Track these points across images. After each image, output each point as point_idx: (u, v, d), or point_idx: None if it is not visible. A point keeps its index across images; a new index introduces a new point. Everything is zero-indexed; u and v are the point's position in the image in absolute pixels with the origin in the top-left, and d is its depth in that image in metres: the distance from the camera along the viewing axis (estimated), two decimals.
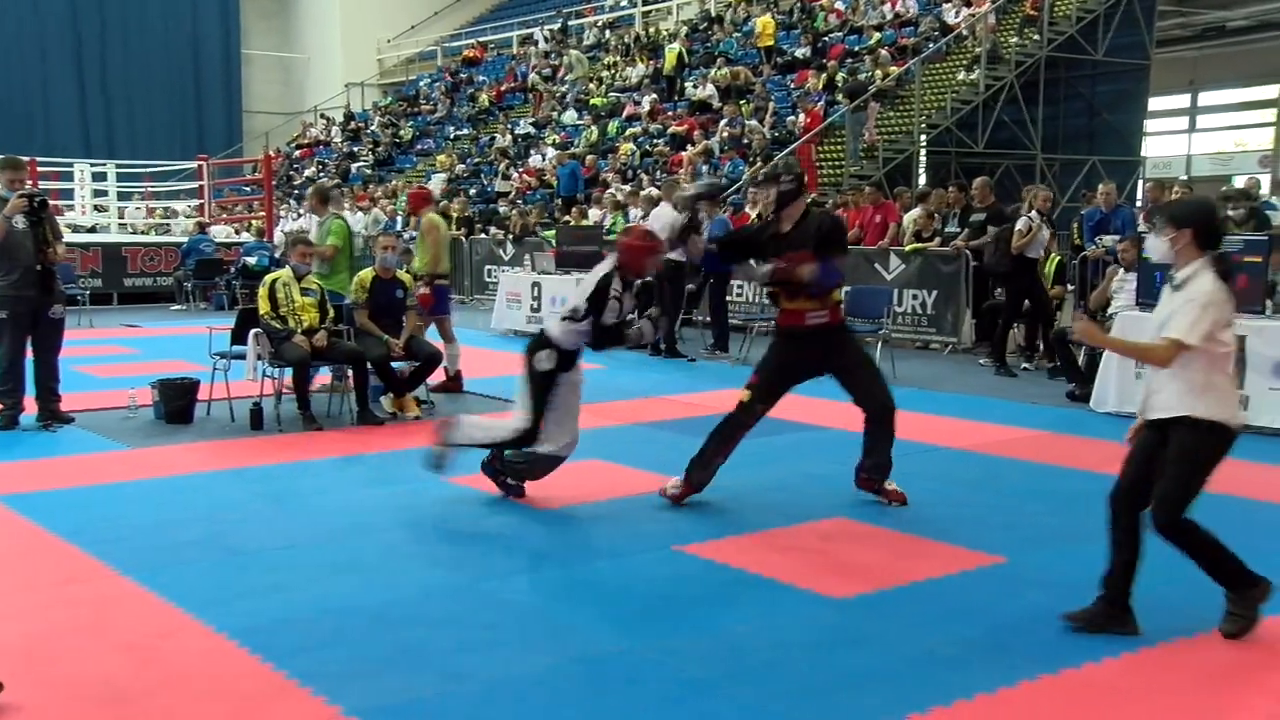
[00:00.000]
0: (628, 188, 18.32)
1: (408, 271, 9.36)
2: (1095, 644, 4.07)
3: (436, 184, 24.52)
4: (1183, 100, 31.75)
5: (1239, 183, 15.95)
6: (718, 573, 5.01)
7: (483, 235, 19.44)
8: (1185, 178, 21.79)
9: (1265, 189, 16.72)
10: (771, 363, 6.09)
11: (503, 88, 29.27)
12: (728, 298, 13.15)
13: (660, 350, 12.30)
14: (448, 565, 5.14)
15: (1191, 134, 32.51)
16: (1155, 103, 24.35)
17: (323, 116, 34.38)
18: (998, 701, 3.65)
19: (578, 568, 5.18)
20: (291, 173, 30.14)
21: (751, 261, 6.01)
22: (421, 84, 33.25)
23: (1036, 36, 19.59)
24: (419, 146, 29.08)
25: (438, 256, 9.76)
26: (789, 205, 5.93)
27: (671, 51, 24.05)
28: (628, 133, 22.49)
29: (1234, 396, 4.25)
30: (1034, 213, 10.61)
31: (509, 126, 26.34)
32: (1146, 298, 8.52)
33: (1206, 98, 32.06)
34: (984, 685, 3.74)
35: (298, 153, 32.40)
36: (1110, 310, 9.26)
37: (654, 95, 23.30)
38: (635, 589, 4.85)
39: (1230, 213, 11.24)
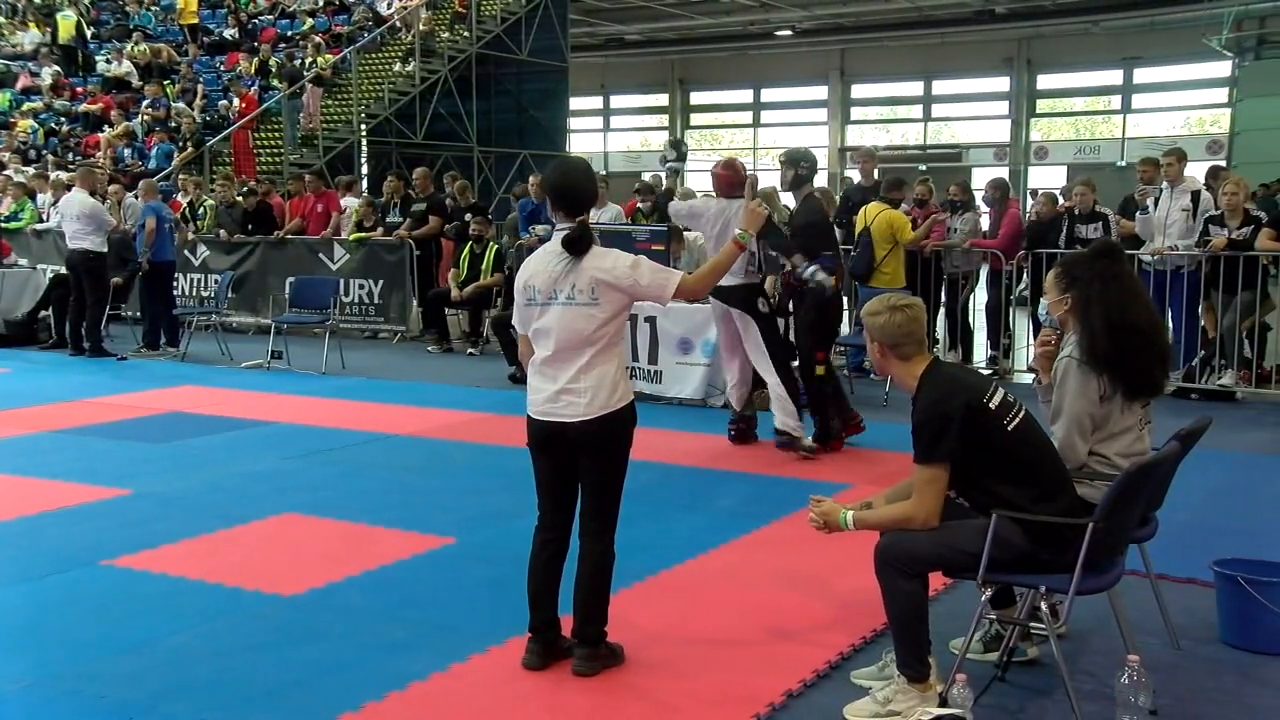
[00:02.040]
0: (31, 170, 16.34)
1: None
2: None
3: None
4: (597, 101, 34.82)
5: (647, 178, 17.70)
6: (154, 584, 4.64)
7: None
8: (605, 172, 23.80)
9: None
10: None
11: None
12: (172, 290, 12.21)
13: (84, 349, 11.15)
14: None
15: (606, 133, 35.75)
16: (575, 103, 26.36)
17: None
18: (451, 678, 3.74)
19: None
20: None
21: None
22: None
23: (467, 33, 20.32)
24: None
25: None
26: (800, 189, 6.91)
27: (66, 20, 21.59)
28: (25, 107, 19.97)
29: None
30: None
31: None
32: None
33: (616, 100, 35.46)
34: (437, 664, 3.81)
35: None
36: None
37: (56, 68, 20.86)
38: (55, 613, 4.34)
39: (640, 205, 12.48)
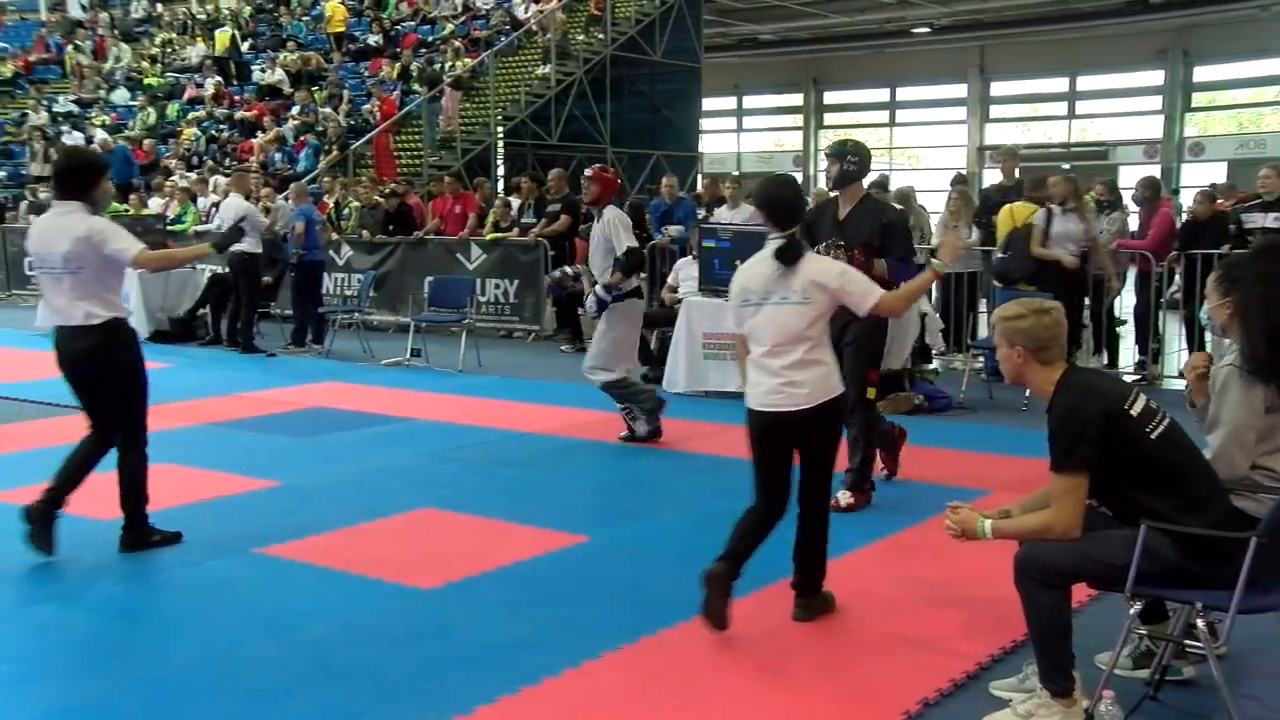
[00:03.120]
0: (194, 175, 17.14)
1: None
2: (673, 611, 4.29)
3: None
4: (730, 102, 34.72)
5: None
6: (299, 573, 4.81)
7: (19, 224, 17.37)
8: (737, 173, 23.75)
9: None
10: None
11: (31, 58, 26.18)
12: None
13: (238, 346, 11.65)
14: None
15: (740, 133, 35.63)
16: (708, 103, 26.37)
17: None
18: (583, 674, 3.77)
19: (142, 580, 4.77)
20: None
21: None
22: None
23: (601, 35, 20.52)
24: None
25: None
26: (848, 186, 5.70)
27: (222, 34, 22.75)
28: (190, 116, 21.01)
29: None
30: None
31: (44, 103, 23.65)
32: (707, 284, 9.19)
33: (749, 101, 35.30)
34: (570, 660, 3.84)
35: None
36: (679, 294, 9.86)
37: (218, 78, 21.92)
38: (207, 597, 4.54)
39: None
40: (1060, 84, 30.57)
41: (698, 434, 7.65)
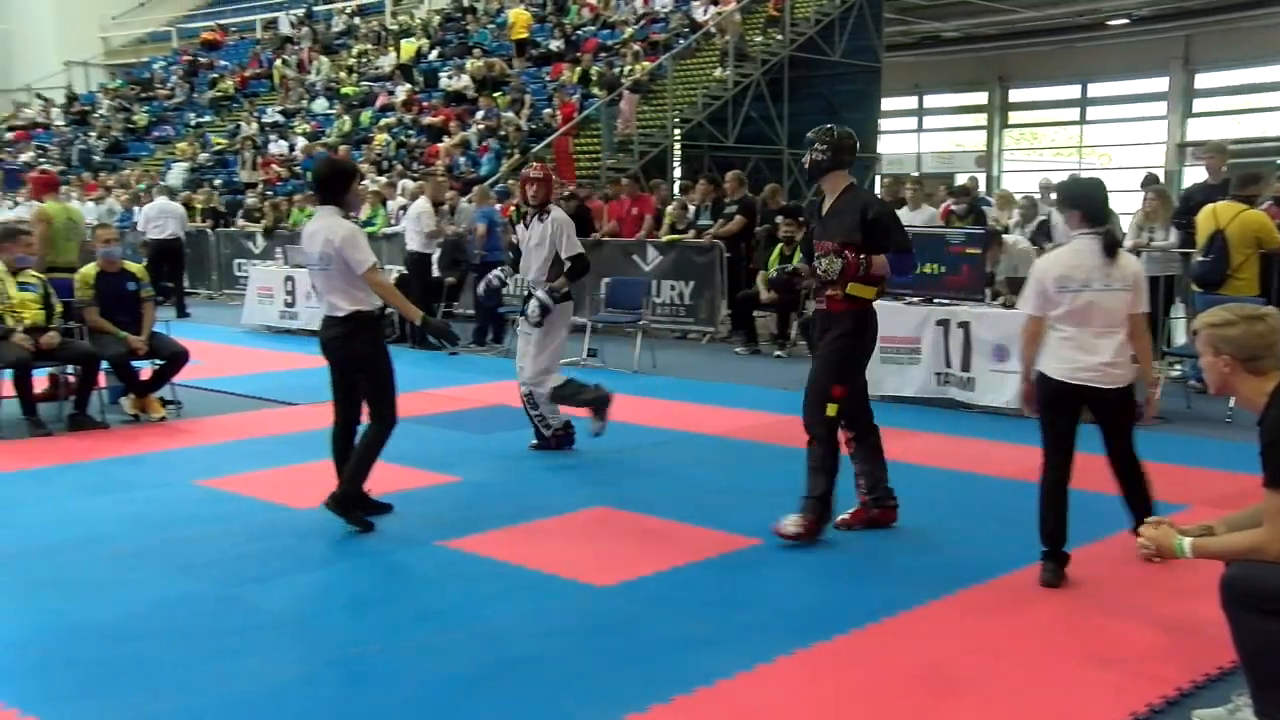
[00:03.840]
0: (384, 179, 17.87)
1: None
2: (847, 617, 4.25)
3: (178, 173, 23.12)
4: (910, 102, 33.94)
5: (961, 180, 17.12)
6: (480, 566, 4.95)
7: (231, 227, 18.50)
8: (916, 174, 23.23)
9: (983, 187, 18.13)
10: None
11: (246, 74, 27.93)
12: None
13: (407, 340, 12.15)
14: (190, 574, 4.84)
15: (919, 134, 34.81)
16: (887, 103, 25.84)
17: (39, 96, 31.68)
18: (757, 677, 3.76)
19: (334, 568, 5.00)
20: (3, 156, 27.63)
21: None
22: (156, 66, 31.25)
23: (780, 36, 20.39)
24: (156, 133, 27.35)
25: (40, 252, 8.89)
26: (823, 177, 5.29)
27: (408, 44, 23.72)
28: (382, 123, 21.92)
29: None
30: None
31: (255, 114, 25.17)
32: (886, 286, 9.01)
33: (930, 101, 34.43)
34: (743, 664, 3.83)
35: (10, 135, 29.74)
36: None
37: (408, 85, 22.83)
38: (394, 587, 4.73)
39: (954, 208, 12.09)
40: (1276, 73, 28.49)
41: None
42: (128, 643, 4.04)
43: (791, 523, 5.15)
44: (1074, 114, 32.27)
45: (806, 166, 5.38)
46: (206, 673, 3.78)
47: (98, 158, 26.35)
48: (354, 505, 5.49)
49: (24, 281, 7.73)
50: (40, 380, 8.04)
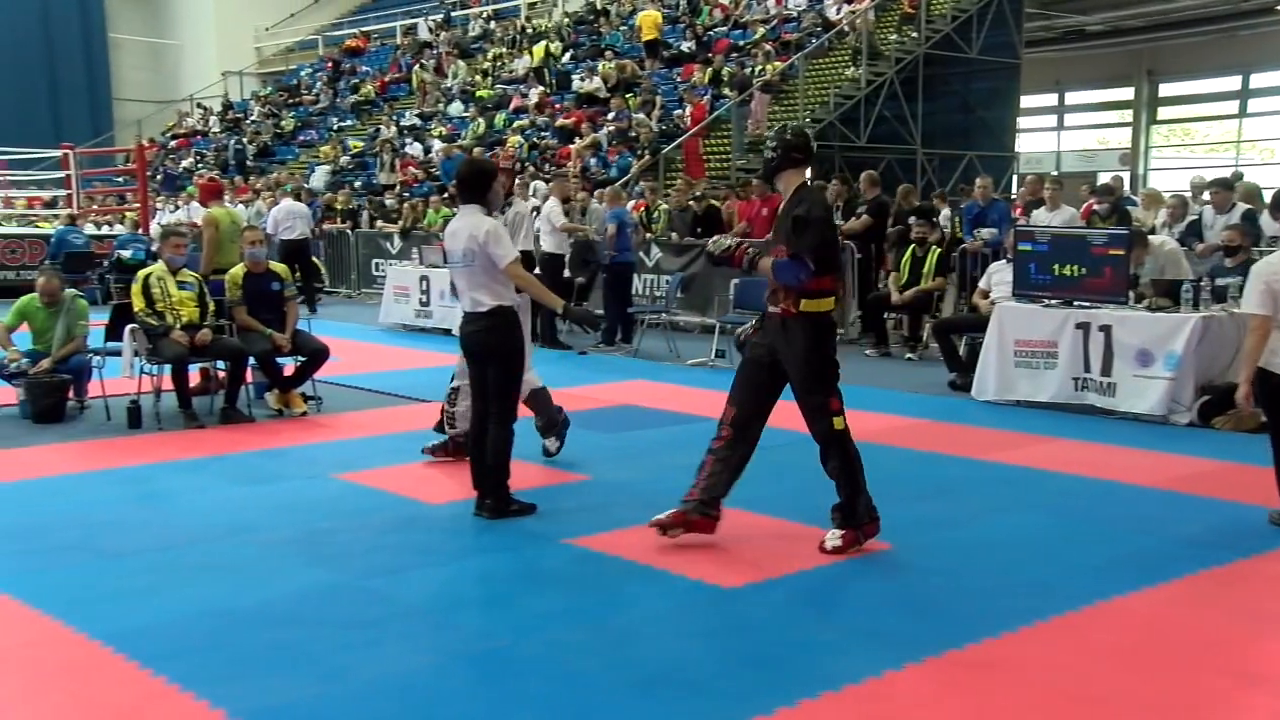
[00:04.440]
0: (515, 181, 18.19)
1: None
2: (982, 625, 4.17)
3: (320, 176, 23.98)
4: (1051, 99, 32.91)
5: (1104, 179, 16.55)
6: (607, 565, 5.01)
7: (369, 228, 19.11)
8: (1056, 173, 22.55)
9: (1126, 186, 17.49)
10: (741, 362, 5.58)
11: (387, 78, 28.79)
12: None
13: (537, 340, 12.31)
14: (329, 564, 5.02)
15: (1060, 131, 33.73)
16: (1026, 101, 25.12)
17: (199, 105, 33.33)
18: (885, 684, 3.71)
19: (465, 563, 5.12)
20: (167, 163, 29.13)
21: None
22: (302, 74, 32.50)
23: (915, 34, 20.04)
24: (301, 137, 28.43)
25: (210, 256, 9.29)
26: (777, 176, 5.18)
27: (538, 47, 24.09)
28: (515, 125, 22.33)
29: None
30: None
31: (394, 118, 25.93)
32: (1021, 289, 8.80)
33: (1071, 97, 33.30)
34: (872, 670, 3.79)
35: (174, 143, 31.35)
36: (990, 299, 9.52)
37: (541, 88, 23.19)
38: (523, 583, 4.81)
39: (1097, 208, 11.70)
40: None
41: (1007, 444, 7.36)
42: (271, 629, 4.21)
43: (831, 539, 5.10)
44: (1232, 107, 30.77)
45: (761, 170, 5.24)
46: (342, 661, 3.91)
47: (249, 161, 27.51)
48: (507, 507, 5.69)
49: (182, 280, 8.13)
50: (192, 375, 8.45)
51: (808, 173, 5.34)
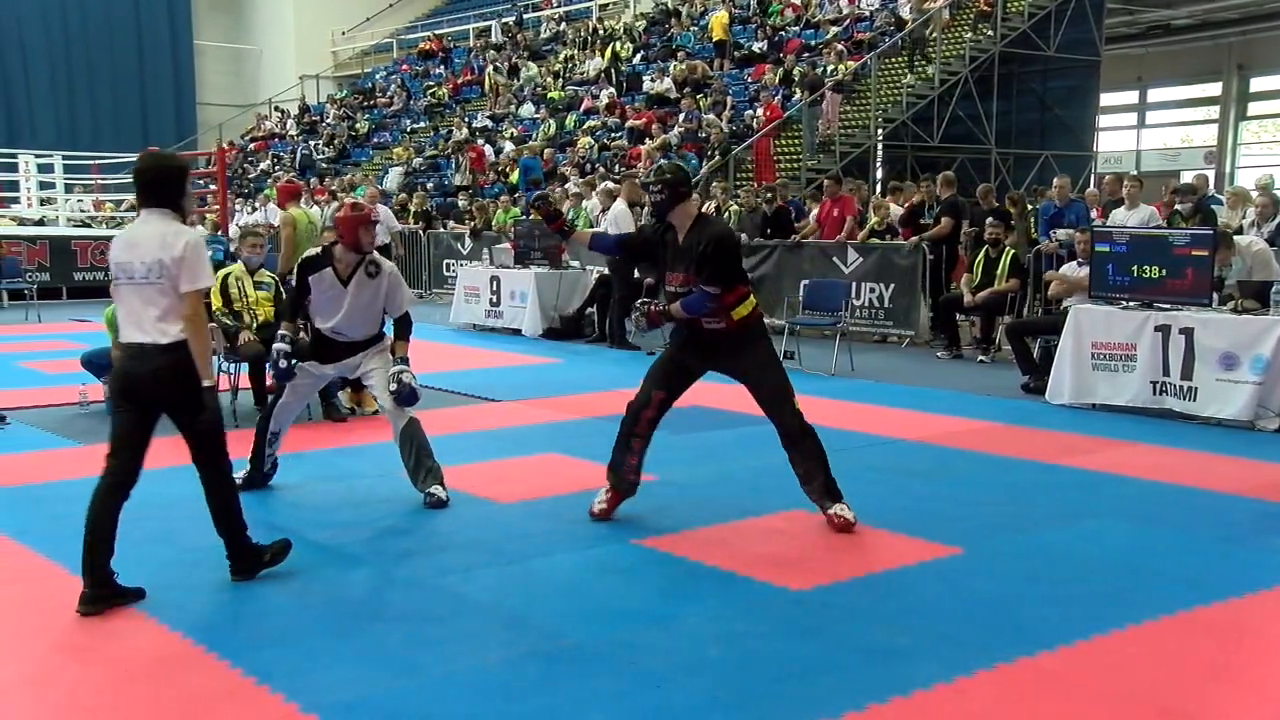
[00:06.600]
0: (583, 180, 18.28)
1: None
2: (1054, 632, 4.10)
3: (394, 177, 24.31)
4: (1131, 96, 32.17)
5: (1187, 178, 16.17)
6: (675, 566, 5.01)
7: (441, 229, 19.33)
8: (1136, 172, 22.07)
9: (1211, 185, 17.06)
10: (665, 354, 6.00)
11: (459, 81, 29.11)
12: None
13: (606, 340, 12.36)
14: (400, 561, 5.09)
15: (1141, 129, 32.96)
16: (1105, 98, 24.62)
17: (277, 109, 34.02)
18: (955, 690, 3.67)
19: (534, 562, 5.15)
20: (246, 165, 29.78)
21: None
22: (377, 77, 33.00)
23: (990, 32, 19.76)
24: (375, 139, 28.86)
25: (288, 256, 9.43)
26: (669, 212, 5.52)
27: (608, 48, 24.19)
28: (586, 126, 22.43)
29: None
30: None
31: (466, 119, 26.20)
32: (1099, 290, 8.63)
33: (1154, 94, 32.51)
34: (942, 675, 3.75)
35: (252, 146, 32.03)
36: (1065, 303, 9.36)
37: (611, 89, 23.27)
38: (592, 582, 4.83)
39: (1179, 207, 11.43)
40: None
41: (1082, 448, 7.23)
42: (344, 624, 4.28)
43: (843, 511, 5.44)
44: None
45: (651, 211, 5.56)
46: (415, 656, 3.97)
47: (323, 164, 27.98)
48: (260, 559, 4.80)
49: (259, 280, 8.31)
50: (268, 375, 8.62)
51: (695, 198, 5.74)
